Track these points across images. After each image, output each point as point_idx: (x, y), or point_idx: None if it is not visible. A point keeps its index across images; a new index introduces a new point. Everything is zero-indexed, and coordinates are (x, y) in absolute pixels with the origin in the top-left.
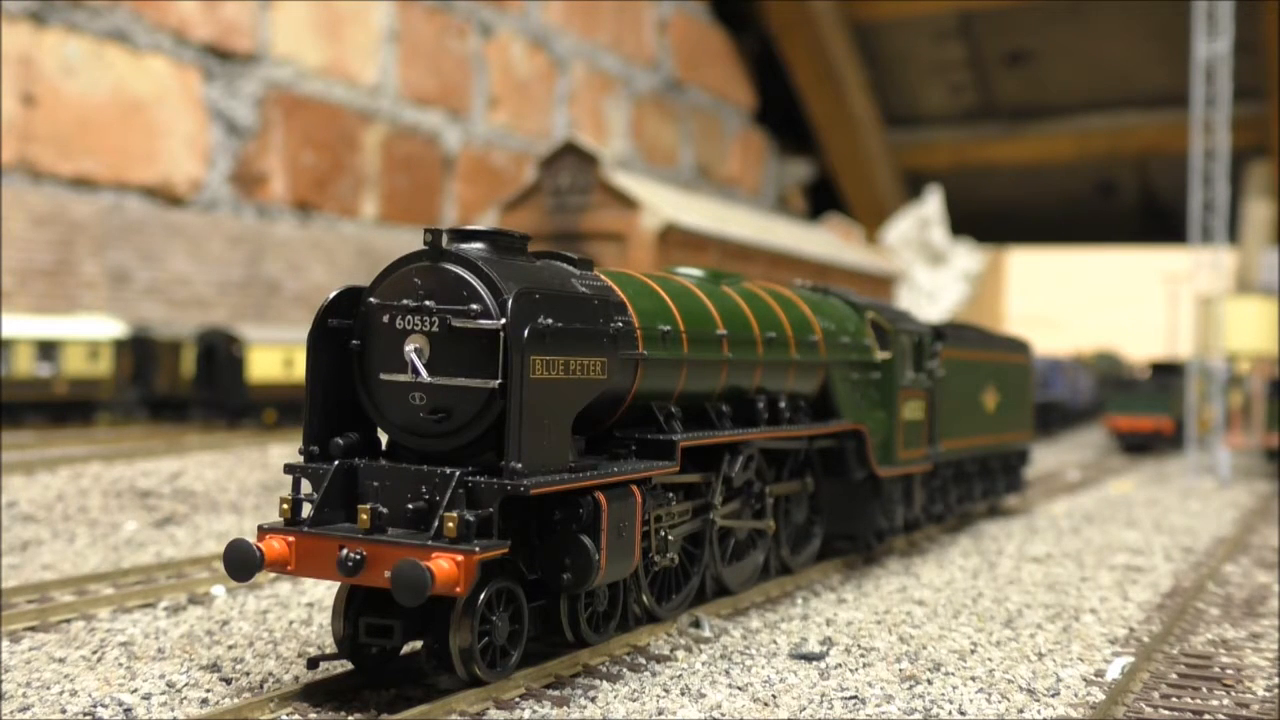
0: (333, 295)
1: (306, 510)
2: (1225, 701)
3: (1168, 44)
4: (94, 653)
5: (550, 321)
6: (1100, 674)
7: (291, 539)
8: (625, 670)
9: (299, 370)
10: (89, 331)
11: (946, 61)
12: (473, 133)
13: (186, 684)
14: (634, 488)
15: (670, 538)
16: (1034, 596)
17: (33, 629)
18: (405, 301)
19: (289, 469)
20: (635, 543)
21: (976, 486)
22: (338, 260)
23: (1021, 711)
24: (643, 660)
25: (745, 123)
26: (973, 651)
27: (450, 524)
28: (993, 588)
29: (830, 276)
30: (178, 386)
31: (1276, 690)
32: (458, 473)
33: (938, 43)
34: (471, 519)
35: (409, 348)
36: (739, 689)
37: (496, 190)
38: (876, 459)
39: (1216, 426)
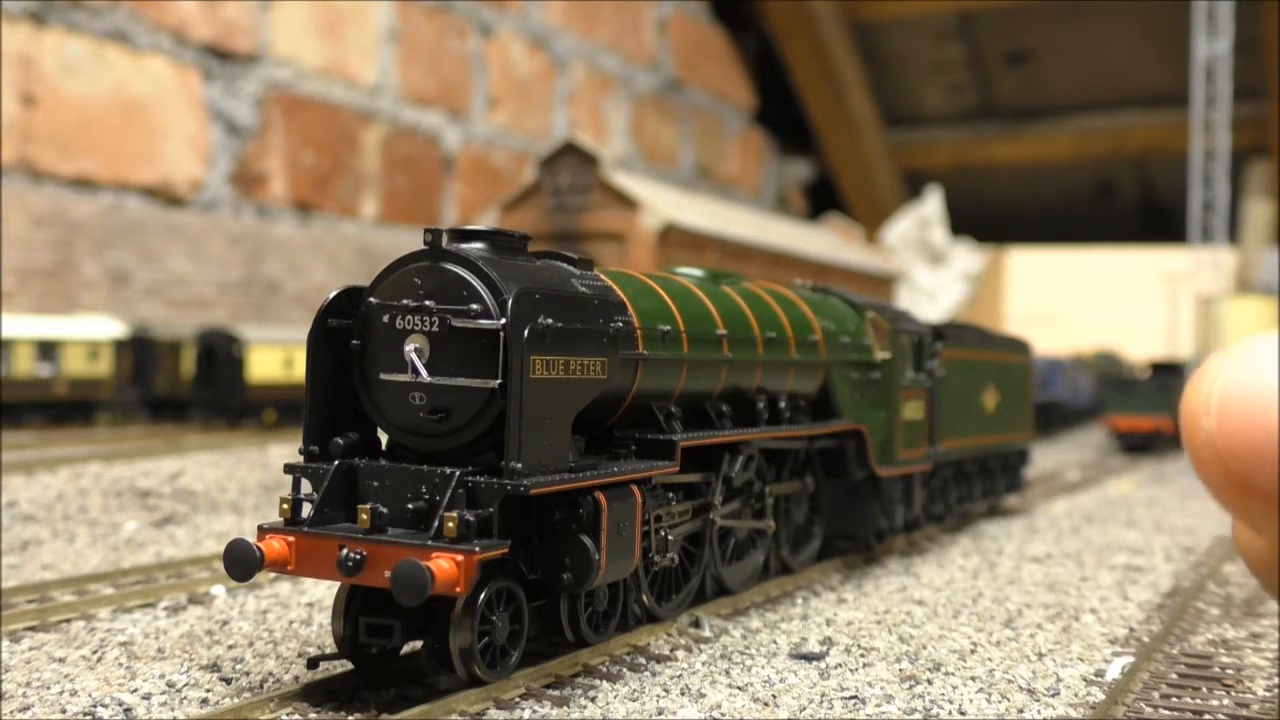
0: (333, 295)
1: (306, 510)
2: (1225, 701)
3: (1168, 44)
4: (94, 653)
5: (550, 321)
6: (1100, 674)
7: (291, 539)
8: (625, 670)
9: (299, 370)
10: (89, 332)
11: (946, 61)
12: (473, 133)
13: (186, 684)
14: (634, 488)
15: (670, 538)
16: (1034, 596)
17: (33, 629)
18: (405, 301)
19: (289, 469)
20: (635, 543)
21: (976, 486)
22: (338, 260)
23: (1021, 711)
24: (643, 660)
25: (745, 123)
26: (973, 651)
27: (450, 524)
28: (993, 588)
29: (830, 276)
30: (178, 386)
31: (1276, 690)
32: (458, 473)
33: (938, 43)
34: (471, 519)
35: (409, 348)
36: (739, 689)
37: (496, 190)
38: (876, 459)
39: None
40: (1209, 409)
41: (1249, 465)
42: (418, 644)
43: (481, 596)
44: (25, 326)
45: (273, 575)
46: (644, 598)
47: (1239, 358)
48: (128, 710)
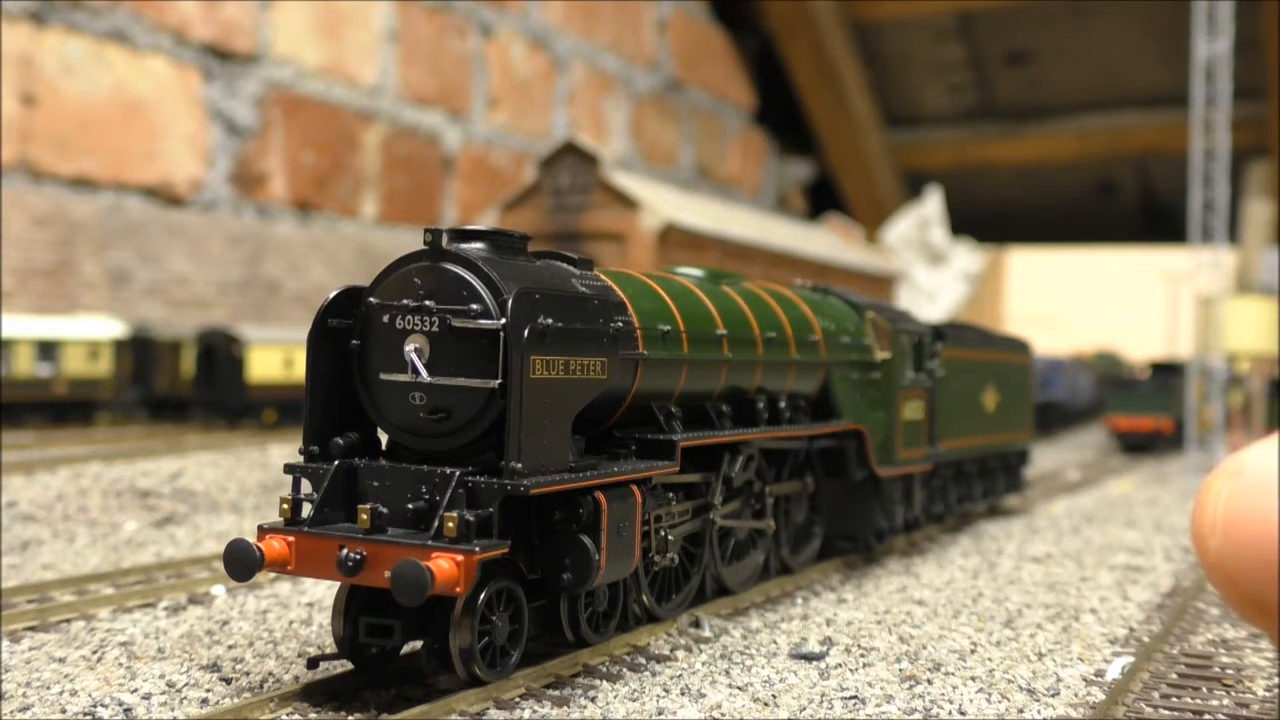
0: (333, 295)
1: (306, 510)
2: (1225, 701)
3: (1168, 44)
4: (94, 653)
5: (550, 321)
6: (1100, 674)
7: (291, 539)
8: (625, 670)
9: (299, 370)
10: (89, 331)
11: (946, 61)
12: (473, 133)
13: (186, 684)
14: (634, 488)
15: (670, 538)
16: (1034, 596)
17: (33, 629)
18: (405, 301)
19: (289, 469)
20: (635, 543)
21: (976, 486)
22: (338, 260)
23: (1021, 711)
24: (643, 660)
25: (745, 123)
26: (973, 651)
27: (450, 524)
28: (993, 588)
29: (830, 276)
30: (178, 386)
31: (1276, 690)
32: (458, 473)
33: (938, 43)
34: (471, 519)
35: (409, 348)
36: (739, 689)
37: (496, 190)
38: (876, 459)
39: (1216, 426)
40: (1215, 529)
41: (1256, 588)
42: (418, 644)
43: (481, 596)
44: (25, 326)
45: (273, 575)
46: (644, 598)
47: (1241, 476)
48: (128, 710)
